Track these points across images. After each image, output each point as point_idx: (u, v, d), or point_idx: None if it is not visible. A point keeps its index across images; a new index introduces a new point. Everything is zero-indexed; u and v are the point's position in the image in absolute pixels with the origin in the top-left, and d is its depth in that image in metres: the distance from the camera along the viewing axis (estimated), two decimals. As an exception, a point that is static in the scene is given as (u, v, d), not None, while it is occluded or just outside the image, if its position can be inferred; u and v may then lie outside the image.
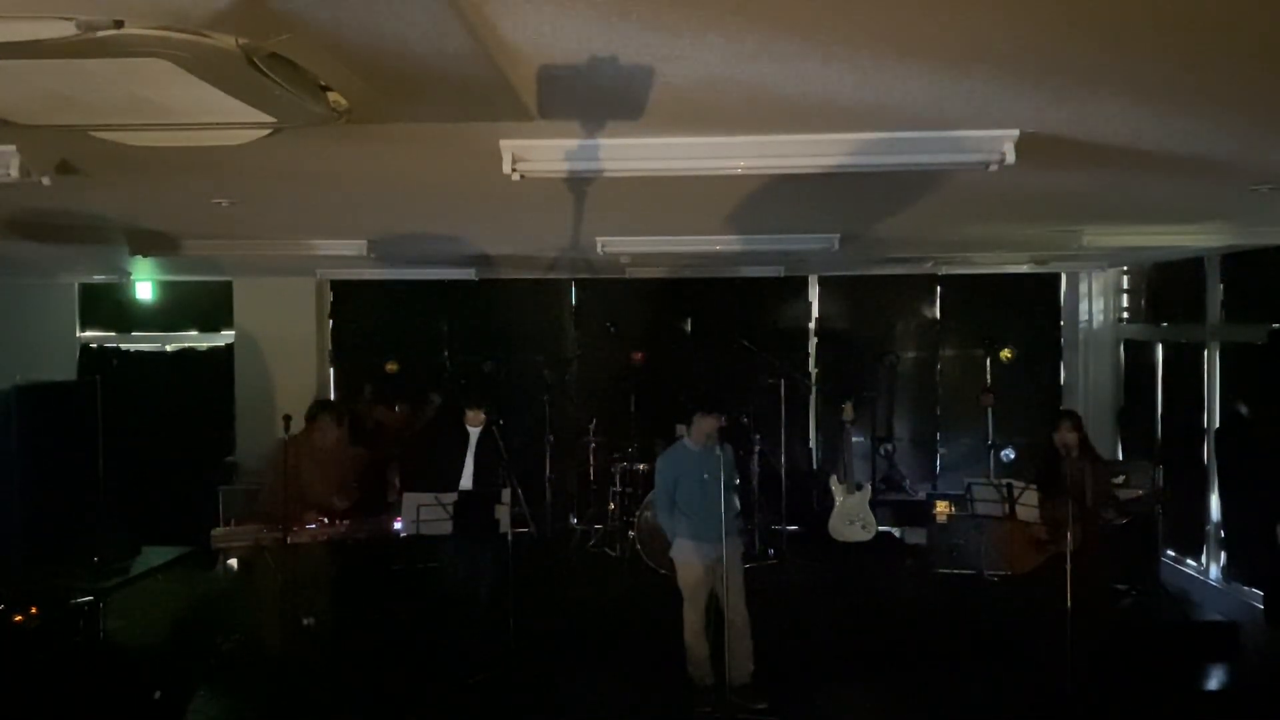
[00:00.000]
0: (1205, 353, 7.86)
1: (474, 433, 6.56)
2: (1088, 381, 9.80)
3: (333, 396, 9.92)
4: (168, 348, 10.53)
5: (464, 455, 6.52)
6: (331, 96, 2.47)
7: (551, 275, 9.99)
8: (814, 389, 10.31)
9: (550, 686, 6.18)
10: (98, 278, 9.62)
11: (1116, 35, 2.22)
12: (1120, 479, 7.64)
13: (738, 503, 6.24)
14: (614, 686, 6.16)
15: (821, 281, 10.39)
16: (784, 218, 5.63)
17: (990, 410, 9.23)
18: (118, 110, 2.44)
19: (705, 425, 5.76)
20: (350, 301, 10.45)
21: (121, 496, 8.49)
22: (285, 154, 3.46)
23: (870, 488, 9.30)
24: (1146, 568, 7.90)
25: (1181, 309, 8.47)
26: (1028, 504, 6.16)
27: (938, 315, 10.36)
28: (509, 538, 6.23)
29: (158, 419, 9.83)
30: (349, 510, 6.44)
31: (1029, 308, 10.17)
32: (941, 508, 8.58)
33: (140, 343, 10.48)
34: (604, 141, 3.23)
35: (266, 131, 2.69)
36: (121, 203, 4.84)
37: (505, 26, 2.12)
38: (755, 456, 9.11)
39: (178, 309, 10.43)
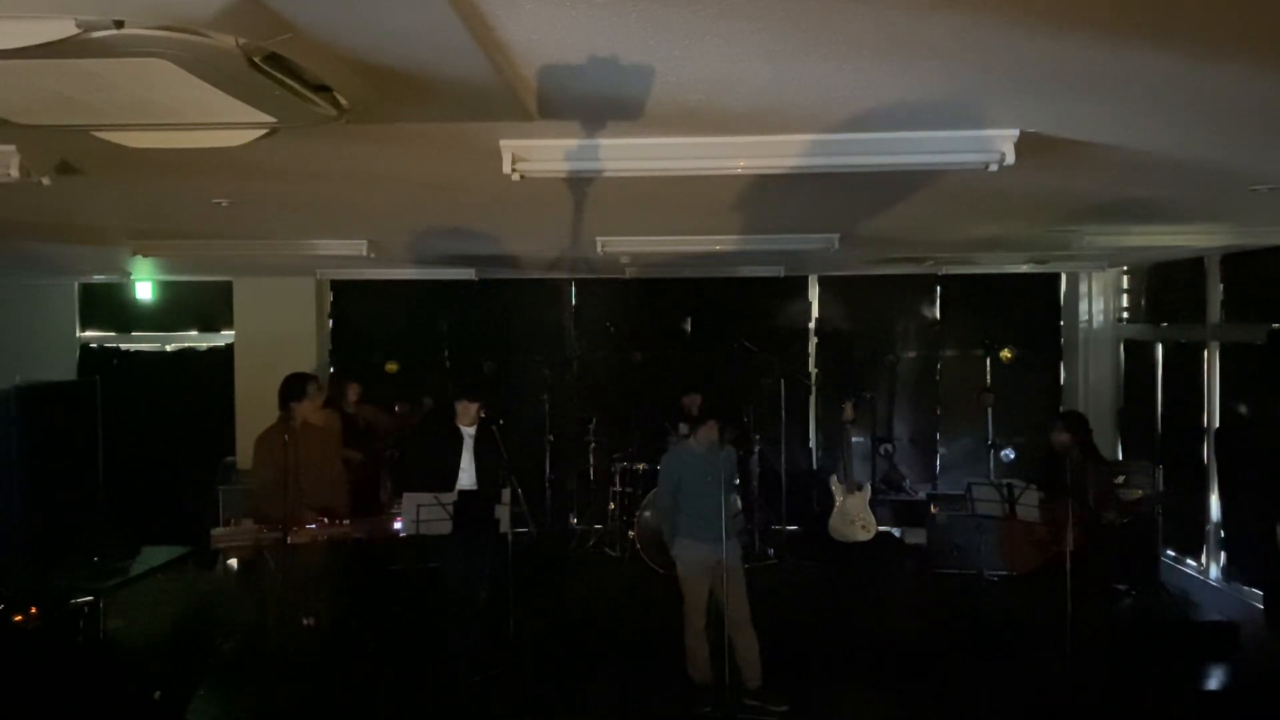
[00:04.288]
0: (1205, 353, 7.85)
1: (468, 432, 6.26)
2: (1088, 381, 9.80)
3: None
4: (168, 348, 10.53)
5: (457, 458, 6.23)
6: (331, 96, 2.47)
7: (551, 275, 9.99)
8: (814, 389, 10.31)
9: (550, 686, 6.18)
10: (98, 278, 9.62)
11: (1116, 35, 2.22)
12: (1120, 479, 7.64)
13: (738, 503, 6.24)
14: (614, 686, 6.16)
15: (821, 281, 10.39)
16: (784, 218, 5.63)
17: (990, 410, 9.24)
18: (118, 110, 2.44)
19: (713, 428, 5.76)
20: (350, 301, 10.46)
21: (121, 496, 8.50)
22: (285, 154, 3.46)
23: (870, 488, 9.30)
24: (1146, 568, 7.91)
25: (1181, 309, 8.47)
26: (1028, 504, 6.17)
27: (938, 315, 10.36)
28: (509, 538, 6.23)
29: (158, 419, 9.84)
30: (346, 510, 6.36)
31: (1029, 308, 10.17)
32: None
33: (140, 343, 10.48)
34: (604, 141, 3.23)
35: (266, 131, 2.69)
36: (121, 203, 4.84)
37: (505, 26, 2.12)
38: (755, 456, 9.12)
39: (178, 309, 10.43)
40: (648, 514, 8.29)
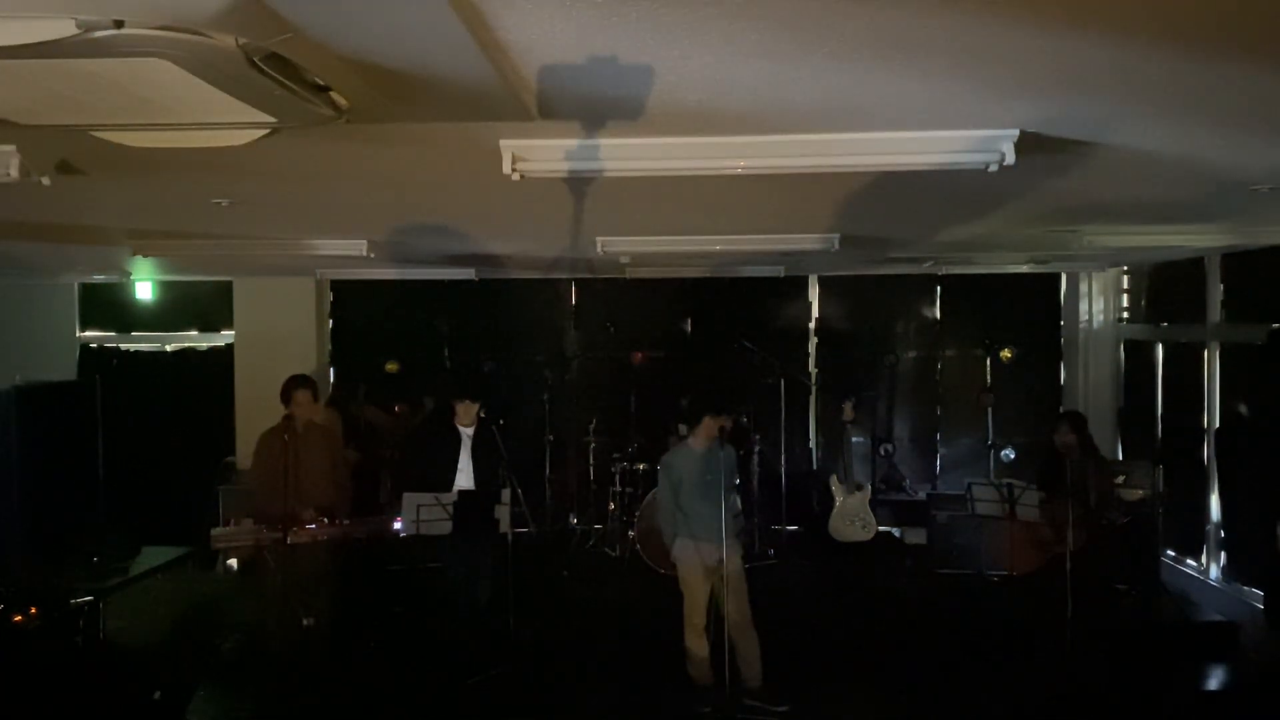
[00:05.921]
0: (1205, 353, 7.85)
1: (466, 432, 6.29)
2: (1088, 381, 9.80)
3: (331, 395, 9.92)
4: (168, 348, 10.53)
5: (455, 457, 6.26)
6: (331, 96, 2.46)
7: (551, 275, 9.99)
8: (814, 389, 10.31)
9: (550, 687, 6.18)
10: (98, 278, 9.61)
11: (1116, 35, 2.22)
12: (1120, 479, 7.65)
13: (738, 503, 6.24)
14: (614, 686, 6.16)
15: (821, 281, 10.39)
16: (784, 218, 5.63)
17: (990, 410, 9.24)
18: (118, 110, 2.44)
19: (711, 427, 5.76)
20: (350, 301, 10.45)
21: (121, 496, 8.50)
22: (285, 154, 3.46)
23: (870, 488, 9.30)
24: (1146, 568, 7.90)
25: (1181, 309, 8.47)
26: (1028, 504, 6.17)
27: (938, 315, 10.37)
28: (509, 538, 6.23)
29: (158, 419, 9.84)
30: (344, 509, 6.37)
31: (1029, 308, 10.17)
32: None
33: (140, 343, 10.48)
34: (604, 141, 3.23)
35: (266, 131, 2.69)
36: (121, 203, 4.84)
37: (505, 26, 2.12)
38: (755, 456, 9.12)
39: (178, 309, 10.43)
40: (648, 514, 8.28)
